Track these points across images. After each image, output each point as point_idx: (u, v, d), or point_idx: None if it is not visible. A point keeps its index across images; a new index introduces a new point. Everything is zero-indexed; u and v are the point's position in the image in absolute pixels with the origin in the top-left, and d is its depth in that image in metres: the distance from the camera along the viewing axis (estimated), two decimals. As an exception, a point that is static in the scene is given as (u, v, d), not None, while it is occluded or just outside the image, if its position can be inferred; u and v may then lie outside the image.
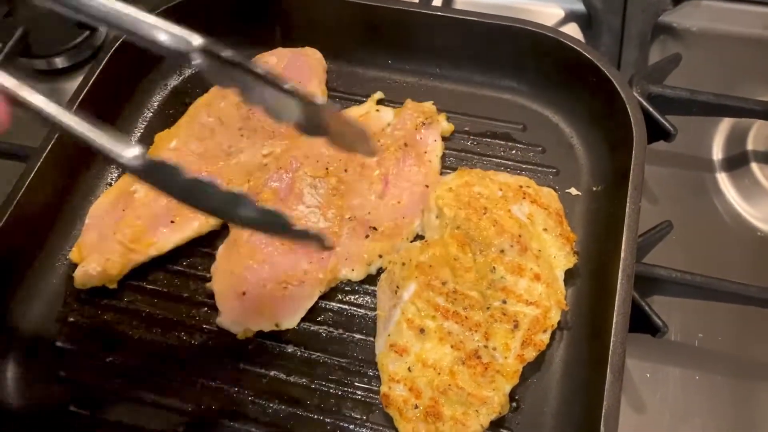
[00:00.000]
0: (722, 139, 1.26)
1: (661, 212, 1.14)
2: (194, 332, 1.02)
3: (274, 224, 0.70)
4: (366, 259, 1.04)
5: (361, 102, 1.23)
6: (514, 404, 0.94)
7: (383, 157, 1.11)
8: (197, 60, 0.66)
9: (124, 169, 0.62)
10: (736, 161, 1.23)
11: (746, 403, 1.00)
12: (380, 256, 1.05)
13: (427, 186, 1.10)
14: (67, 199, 1.12)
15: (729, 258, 1.12)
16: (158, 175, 0.63)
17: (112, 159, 0.62)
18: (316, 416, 0.95)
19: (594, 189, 1.11)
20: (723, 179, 1.22)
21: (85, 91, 1.12)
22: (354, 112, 1.19)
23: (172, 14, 1.22)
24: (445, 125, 1.17)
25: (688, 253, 1.11)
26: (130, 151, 0.61)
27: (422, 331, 0.93)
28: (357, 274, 1.05)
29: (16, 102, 0.65)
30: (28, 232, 1.05)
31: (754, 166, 1.20)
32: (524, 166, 1.16)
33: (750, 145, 1.23)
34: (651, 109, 1.11)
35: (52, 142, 1.06)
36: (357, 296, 1.05)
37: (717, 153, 1.25)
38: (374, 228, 1.06)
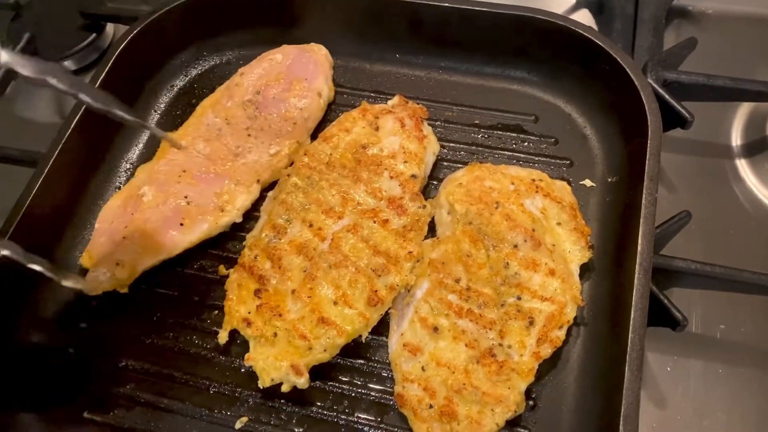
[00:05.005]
0: (741, 125, 1.22)
1: (680, 201, 1.11)
2: (206, 336, 1.01)
3: None
4: None
5: (368, 97, 1.21)
6: (531, 403, 0.92)
7: None
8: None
9: None
10: (756, 146, 1.19)
11: (772, 395, 0.97)
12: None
13: None
14: (76, 203, 1.12)
15: (750, 246, 1.09)
16: None
17: None
18: (329, 418, 0.94)
19: (609, 180, 1.09)
20: (743, 165, 1.18)
21: (91, 95, 1.12)
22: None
23: (180, 13, 1.22)
24: None
25: (708, 242, 1.09)
26: None
27: (436, 329, 0.92)
28: None
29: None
30: (38, 238, 1.04)
31: (775, 151, 1.17)
32: (537, 158, 1.14)
33: (770, 130, 1.20)
34: (667, 96, 1.08)
35: (60, 147, 1.06)
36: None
37: (736, 139, 1.21)
38: None
